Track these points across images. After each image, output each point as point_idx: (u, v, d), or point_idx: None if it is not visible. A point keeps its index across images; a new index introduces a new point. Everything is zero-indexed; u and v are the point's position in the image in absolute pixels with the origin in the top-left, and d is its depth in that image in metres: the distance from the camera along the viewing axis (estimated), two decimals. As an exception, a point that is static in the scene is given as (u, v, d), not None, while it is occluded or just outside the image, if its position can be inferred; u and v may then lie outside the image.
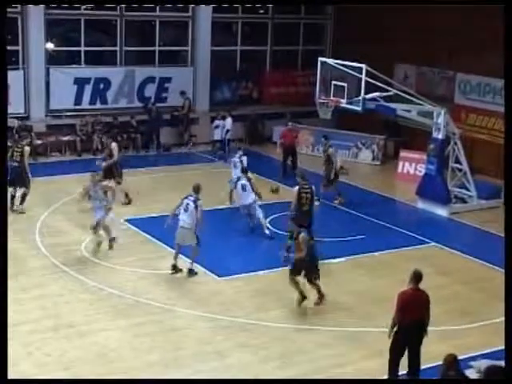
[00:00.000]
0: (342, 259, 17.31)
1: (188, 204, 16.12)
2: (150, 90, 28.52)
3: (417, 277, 11.83)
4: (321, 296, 15.08)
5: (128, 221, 19.54)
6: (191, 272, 16.33)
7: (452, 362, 8.70)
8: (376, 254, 18.09)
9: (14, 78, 26.23)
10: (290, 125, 25.42)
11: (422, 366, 12.23)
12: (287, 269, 15.31)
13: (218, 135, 27.52)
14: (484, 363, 10.94)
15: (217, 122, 27.56)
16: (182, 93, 28.34)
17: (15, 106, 26.20)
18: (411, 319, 11.75)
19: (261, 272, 16.65)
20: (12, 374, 11.90)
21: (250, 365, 12.70)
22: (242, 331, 13.91)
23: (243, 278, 16.38)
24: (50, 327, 13.66)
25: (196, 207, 16.03)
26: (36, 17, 25.98)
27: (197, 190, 16.30)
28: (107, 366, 12.45)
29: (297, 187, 17.24)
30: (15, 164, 19.62)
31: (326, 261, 17.28)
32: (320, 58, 22.16)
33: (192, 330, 13.93)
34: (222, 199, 20.92)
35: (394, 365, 11.97)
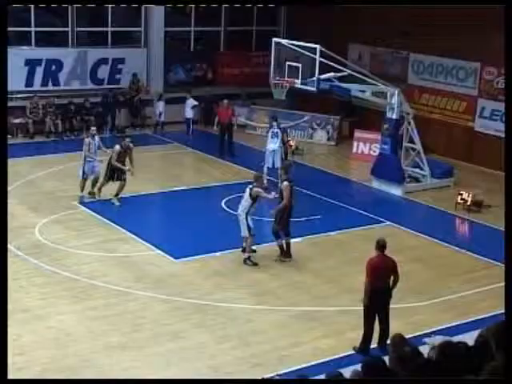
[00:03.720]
0: (299, 239, 17.43)
1: (245, 192, 16.22)
2: (103, 72, 28.32)
3: (380, 244, 12.50)
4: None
5: (85, 204, 19.45)
6: (246, 262, 16.24)
7: (401, 340, 8.87)
8: (332, 233, 18.26)
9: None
10: (225, 102, 25.54)
11: (373, 345, 12.49)
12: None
13: (158, 116, 27.93)
14: (438, 339, 11.13)
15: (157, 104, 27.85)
16: (134, 75, 28.32)
17: (-36, 88, 25.82)
18: (379, 283, 12.35)
19: (217, 253, 16.71)
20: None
21: (206, 345, 12.79)
22: (198, 312, 13.97)
23: (199, 260, 16.42)
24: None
25: (250, 195, 16.02)
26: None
27: (256, 179, 16.45)
28: (64, 350, 12.45)
29: (287, 183, 16.38)
30: None
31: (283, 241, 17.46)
32: (274, 39, 22.18)
33: (148, 311, 13.97)
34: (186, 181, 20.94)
35: (366, 331, 12.48)
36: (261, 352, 12.59)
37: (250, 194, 16.04)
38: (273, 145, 21.53)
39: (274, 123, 21.86)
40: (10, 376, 11.33)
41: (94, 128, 20.80)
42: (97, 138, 20.16)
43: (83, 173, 19.70)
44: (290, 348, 12.76)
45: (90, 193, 19.87)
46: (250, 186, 16.22)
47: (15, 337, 12.72)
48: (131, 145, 20.15)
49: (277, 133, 21.61)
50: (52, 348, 12.49)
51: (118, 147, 19.77)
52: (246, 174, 21.42)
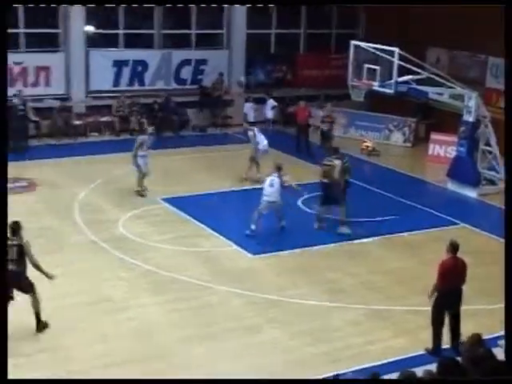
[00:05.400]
0: (373, 239, 17.31)
1: (273, 180, 17.16)
2: (187, 72, 28.64)
3: (453, 246, 12.36)
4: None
5: (165, 200, 19.68)
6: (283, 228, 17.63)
7: (476, 341, 8.71)
8: (406, 234, 18.05)
9: (55, 60, 26.52)
10: (302, 103, 25.58)
11: (446, 346, 12.30)
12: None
13: (251, 117, 27.90)
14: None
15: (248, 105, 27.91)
16: (221, 74, 28.59)
17: (56, 87, 26.53)
18: (451, 285, 12.22)
19: (293, 250, 16.69)
20: (53, 347, 12.15)
21: (279, 340, 12.79)
22: (272, 307, 13.98)
23: (276, 256, 16.44)
24: (88, 302, 13.85)
25: (281, 184, 17.16)
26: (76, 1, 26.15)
27: (278, 169, 17.44)
28: (143, 340, 12.60)
29: (340, 161, 17.77)
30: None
31: (357, 241, 17.38)
32: (353, 42, 22.03)
33: (225, 306, 14.04)
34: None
35: (437, 333, 12.32)
36: (333, 349, 12.52)
37: (282, 184, 17.23)
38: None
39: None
40: (89, 364, 11.61)
41: (152, 127, 21.03)
42: (151, 137, 20.37)
43: (138, 166, 19.88)
44: (362, 346, 12.66)
45: (139, 191, 19.94)
46: (276, 175, 17.24)
47: (97, 326, 12.97)
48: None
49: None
50: (132, 338, 12.65)
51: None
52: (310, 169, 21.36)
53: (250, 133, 21.91)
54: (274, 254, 16.56)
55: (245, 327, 13.20)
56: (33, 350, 12.10)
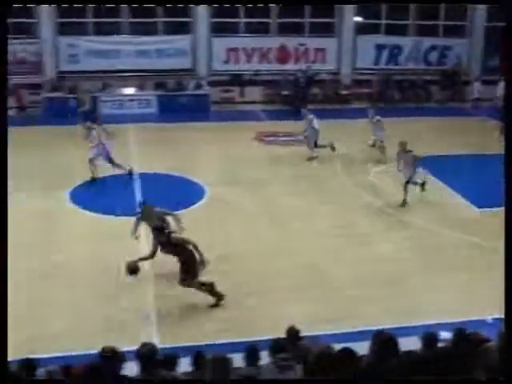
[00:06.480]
0: None
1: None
2: (433, 56, 28.09)
3: None
4: None
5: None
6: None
7: None
8: None
9: (330, 43, 27.08)
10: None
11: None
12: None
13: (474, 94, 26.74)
14: None
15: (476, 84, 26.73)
16: (458, 57, 27.86)
17: (329, 64, 27.18)
18: None
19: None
20: (311, 262, 12.34)
21: (472, 282, 11.94)
22: (486, 253, 13.03)
23: (498, 211, 15.41)
24: (343, 235, 13.94)
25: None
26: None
27: (404, 145, 15.95)
28: (381, 268, 12.42)
29: None
30: None
31: None
32: None
33: (449, 248, 13.47)
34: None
35: None
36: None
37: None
38: None
39: None
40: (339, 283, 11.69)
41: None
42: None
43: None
44: None
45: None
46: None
47: (346, 253, 13.04)
48: None
49: None
50: (372, 265, 12.53)
51: None
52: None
53: (378, 117, 19.26)
54: (497, 209, 15.52)
55: (460, 267, 12.54)
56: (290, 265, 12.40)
